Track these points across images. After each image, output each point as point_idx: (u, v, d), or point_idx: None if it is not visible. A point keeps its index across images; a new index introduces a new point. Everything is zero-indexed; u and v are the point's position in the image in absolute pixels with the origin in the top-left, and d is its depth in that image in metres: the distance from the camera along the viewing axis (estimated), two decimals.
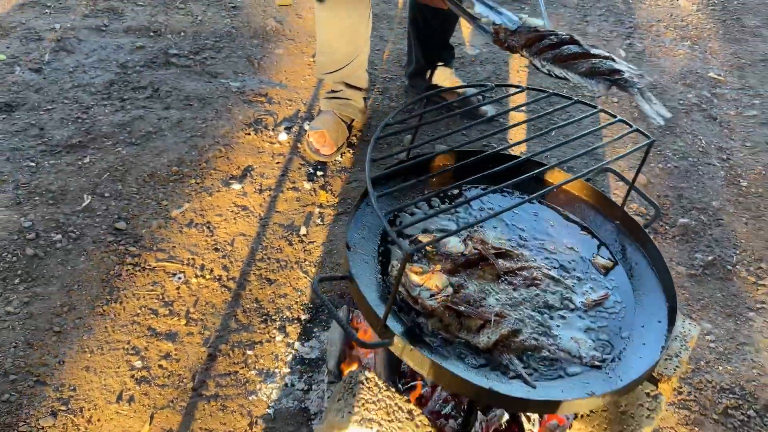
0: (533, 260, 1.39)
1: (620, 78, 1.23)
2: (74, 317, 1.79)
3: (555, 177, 1.57)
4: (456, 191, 1.56)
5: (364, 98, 2.49)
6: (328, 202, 2.23)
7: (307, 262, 2.01)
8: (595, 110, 1.43)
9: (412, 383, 1.58)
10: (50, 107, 2.46)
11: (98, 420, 1.58)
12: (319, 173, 2.33)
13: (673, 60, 3.21)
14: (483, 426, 1.49)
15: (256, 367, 1.73)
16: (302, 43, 3.03)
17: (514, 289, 1.32)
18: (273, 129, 2.49)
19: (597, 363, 1.22)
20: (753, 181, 2.52)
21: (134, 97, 2.55)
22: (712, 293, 2.06)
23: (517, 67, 3.03)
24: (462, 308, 1.24)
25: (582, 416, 1.27)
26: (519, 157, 1.40)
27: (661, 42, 3.35)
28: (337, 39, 2.28)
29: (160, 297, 1.87)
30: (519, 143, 1.40)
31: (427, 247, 1.37)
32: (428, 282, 1.29)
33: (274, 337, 1.81)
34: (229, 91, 2.65)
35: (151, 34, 2.93)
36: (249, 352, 1.76)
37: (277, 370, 1.73)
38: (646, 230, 1.45)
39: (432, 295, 1.27)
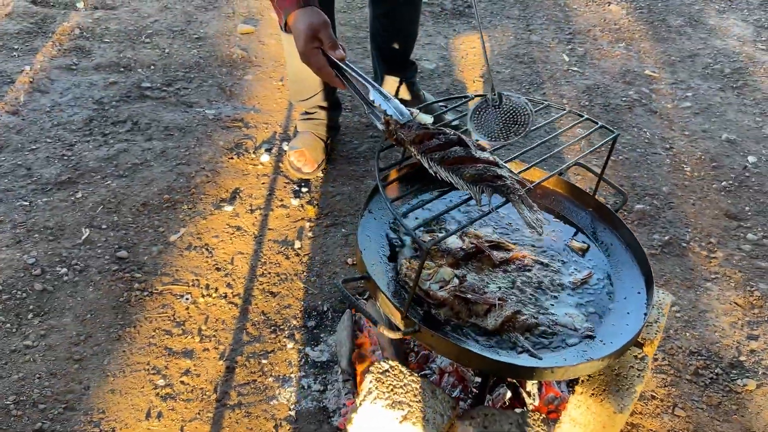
0: (523, 249, 1.58)
1: (503, 185, 1.25)
2: (92, 344, 1.87)
3: (533, 175, 1.76)
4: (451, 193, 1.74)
5: (337, 117, 2.64)
6: (316, 216, 2.37)
7: (305, 273, 2.15)
8: (565, 111, 1.64)
9: (422, 373, 1.74)
10: (34, 147, 2.52)
11: None
12: (304, 189, 2.47)
13: (611, 61, 3.48)
14: (489, 403, 1.66)
15: (273, 374, 1.85)
16: (269, 68, 3.17)
17: (511, 276, 1.50)
18: (254, 151, 2.62)
19: (590, 333, 1.40)
20: (695, 166, 2.79)
21: (115, 131, 2.64)
22: (672, 269, 2.29)
23: (473, 78, 3.24)
24: (469, 296, 1.41)
25: (582, 381, 1.44)
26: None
27: (599, 45, 3.62)
28: (305, 68, 2.40)
29: (172, 318, 1.97)
30: (499, 148, 1.57)
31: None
32: (436, 276, 1.46)
33: (285, 345, 1.93)
34: (206, 119, 2.76)
35: (122, 69, 3.02)
36: (264, 361, 1.88)
37: (292, 375, 1.86)
38: (617, 214, 1.66)
39: (441, 287, 1.43)
